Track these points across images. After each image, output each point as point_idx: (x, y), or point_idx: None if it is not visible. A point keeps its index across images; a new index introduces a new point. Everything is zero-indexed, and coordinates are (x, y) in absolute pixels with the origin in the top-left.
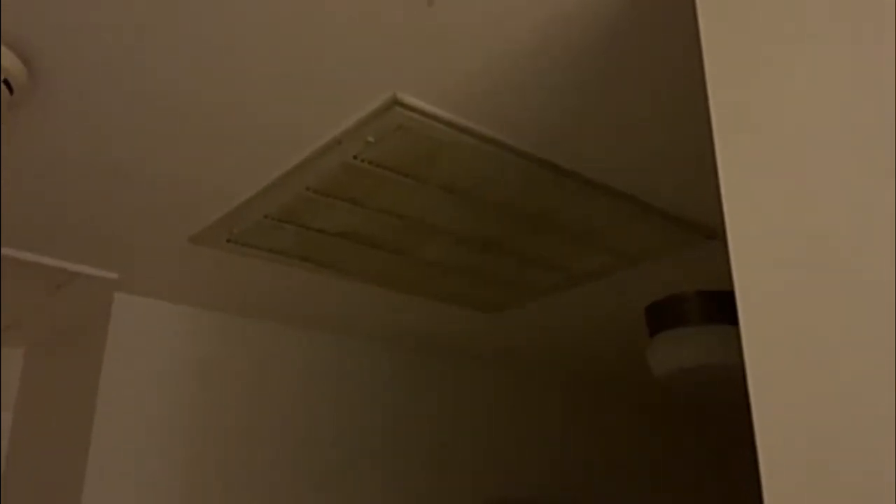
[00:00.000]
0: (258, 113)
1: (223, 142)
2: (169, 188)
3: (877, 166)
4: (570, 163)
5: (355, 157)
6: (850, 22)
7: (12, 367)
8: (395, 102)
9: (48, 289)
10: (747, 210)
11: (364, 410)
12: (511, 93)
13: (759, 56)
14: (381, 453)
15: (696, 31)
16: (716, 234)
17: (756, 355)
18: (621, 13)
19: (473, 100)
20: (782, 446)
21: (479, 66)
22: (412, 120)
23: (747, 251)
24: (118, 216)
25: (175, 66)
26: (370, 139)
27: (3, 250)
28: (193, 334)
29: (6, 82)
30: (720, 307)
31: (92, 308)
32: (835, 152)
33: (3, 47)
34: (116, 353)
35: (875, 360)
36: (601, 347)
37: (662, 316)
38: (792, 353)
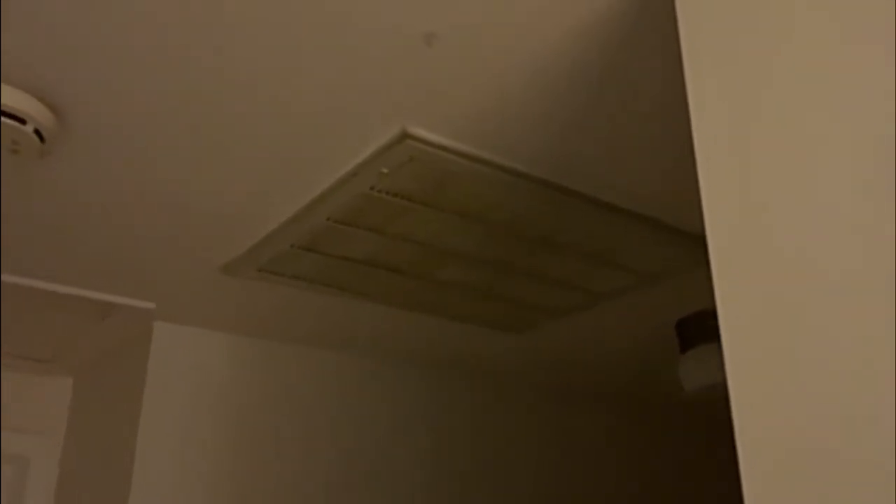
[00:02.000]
0: (279, 149)
1: (248, 177)
2: (199, 222)
3: (860, 186)
4: (580, 185)
5: (372, 188)
6: (833, 55)
7: (61, 396)
8: (406, 136)
9: (93, 320)
10: (729, 232)
11: (397, 430)
12: (517, 120)
13: (740, 82)
14: (411, 469)
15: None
16: None
17: (738, 375)
18: (625, 35)
19: (481, 129)
20: (764, 464)
21: (484, 97)
22: (423, 151)
23: (729, 274)
24: (153, 249)
25: (199, 107)
26: (384, 171)
27: (49, 286)
28: (230, 359)
29: (37, 132)
30: None
31: (133, 337)
32: (817, 174)
33: (33, 99)
34: (157, 378)
35: (858, 380)
36: (628, 366)
37: (693, 332)
38: (773, 372)
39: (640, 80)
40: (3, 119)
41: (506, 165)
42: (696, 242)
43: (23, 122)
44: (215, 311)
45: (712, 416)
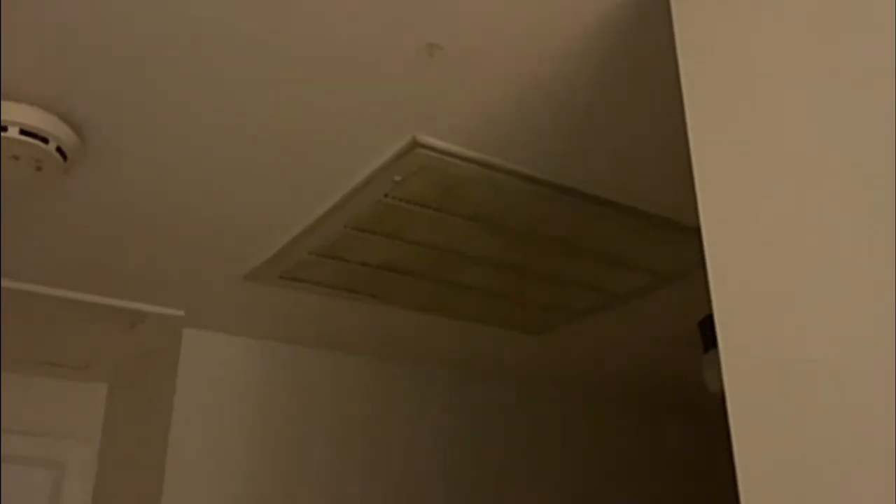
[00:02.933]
0: (294, 161)
1: (266, 189)
2: (222, 232)
3: (859, 186)
4: (593, 188)
5: (386, 196)
6: (823, 48)
7: (97, 401)
8: (416, 144)
9: (124, 328)
10: (726, 243)
11: (422, 431)
12: (525, 125)
13: (735, 86)
14: (435, 467)
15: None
16: None
17: (735, 380)
18: (632, 37)
19: (490, 135)
20: (760, 467)
21: (490, 104)
22: (433, 159)
23: (726, 282)
24: (180, 259)
25: (218, 124)
26: (397, 178)
27: (82, 296)
28: (257, 363)
29: (59, 150)
30: None
31: (164, 343)
32: (812, 173)
33: (54, 118)
34: (187, 382)
35: (856, 383)
36: (651, 366)
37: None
38: (769, 378)
39: (650, 80)
40: (25, 138)
41: (517, 170)
42: None
43: (45, 140)
44: (241, 317)
45: None
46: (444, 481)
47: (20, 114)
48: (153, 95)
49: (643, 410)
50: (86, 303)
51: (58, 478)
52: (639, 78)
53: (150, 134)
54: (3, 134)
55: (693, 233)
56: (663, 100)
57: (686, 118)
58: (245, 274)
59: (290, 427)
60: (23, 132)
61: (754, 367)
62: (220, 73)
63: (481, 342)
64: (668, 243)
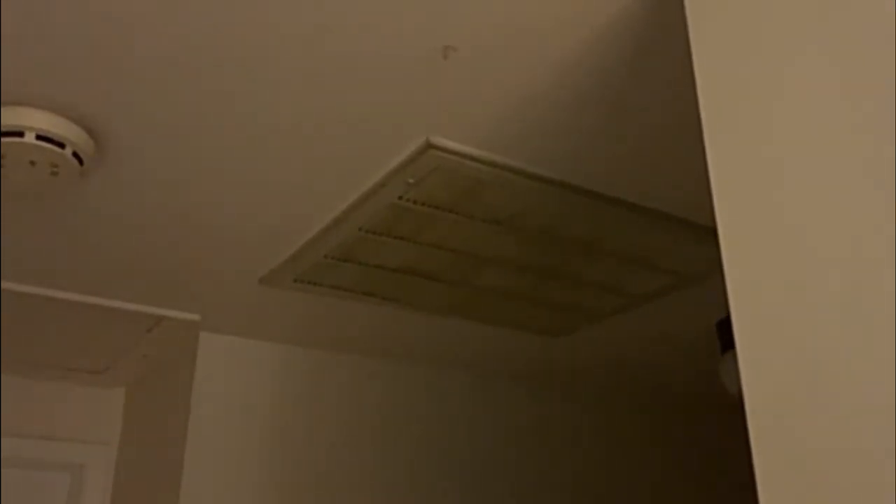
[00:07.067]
0: (308, 164)
1: (279, 192)
2: (237, 236)
3: (876, 186)
4: (610, 190)
5: (400, 198)
6: (833, 42)
7: (115, 406)
8: (430, 146)
9: (140, 333)
10: (743, 243)
11: (441, 434)
12: (540, 127)
13: (750, 85)
14: (455, 471)
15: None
16: None
17: (753, 381)
18: (647, 38)
19: (504, 137)
20: (779, 469)
21: (504, 106)
22: (447, 160)
23: (743, 283)
24: (196, 264)
25: (232, 129)
26: (411, 181)
27: (99, 300)
28: (273, 367)
29: (75, 154)
30: None
31: (180, 347)
32: (831, 174)
33: (71, 123)
34: (204, 386)
35: (870, 389)
36: (670, 367)
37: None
38: (788, 379)
39: (667, 79)
40: (42, 143)
41: (532, 172)
42: None
43: (61, 145)
44: (257, 321)
45: None
46: (461, 484)
47: (36, 119)
48: (167, 100)
49: (662, 412)
50: (103, 307)
51: (77, 482)
52: (656, 77)
53: (164, 139)
54: (19, 139)
55: (711, 233)
56: (681, 99)
57: (700, 115)
58: (260, 278)
59: (306, 430)
60: (39, 137)
61: (772, 368)
62: (234, 78)
63: (499, 344)
64: (687, 244)
